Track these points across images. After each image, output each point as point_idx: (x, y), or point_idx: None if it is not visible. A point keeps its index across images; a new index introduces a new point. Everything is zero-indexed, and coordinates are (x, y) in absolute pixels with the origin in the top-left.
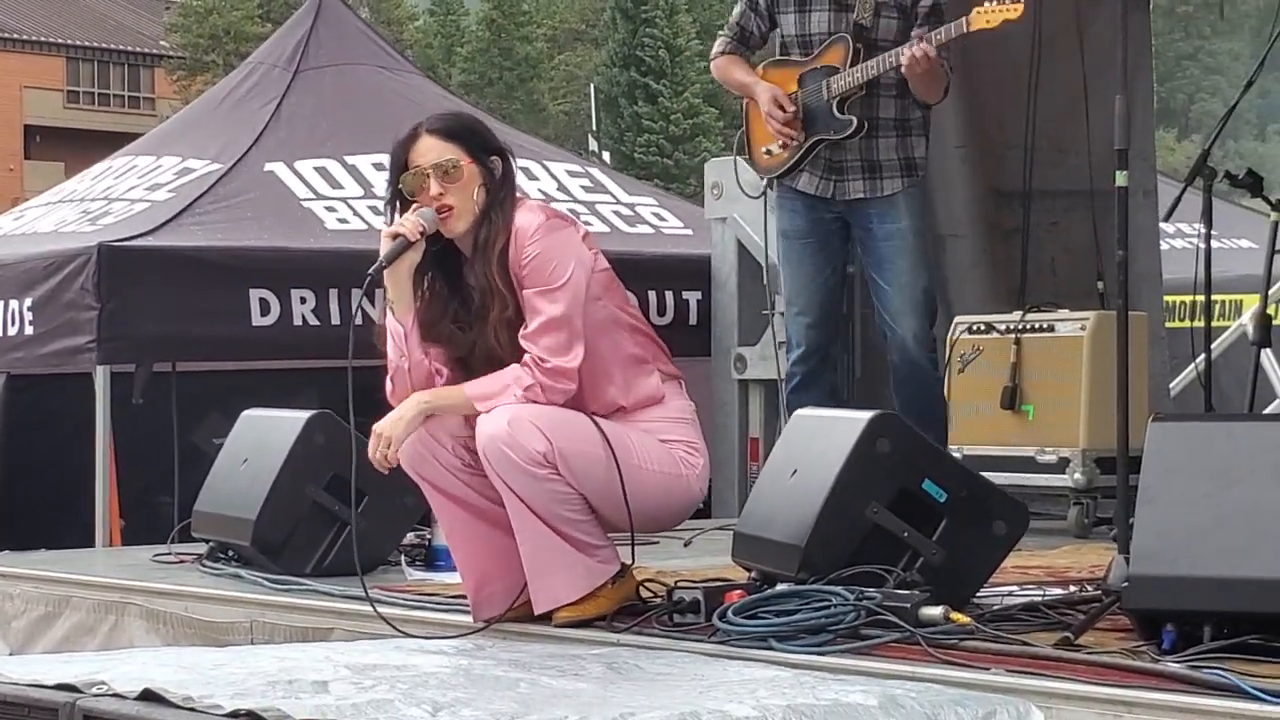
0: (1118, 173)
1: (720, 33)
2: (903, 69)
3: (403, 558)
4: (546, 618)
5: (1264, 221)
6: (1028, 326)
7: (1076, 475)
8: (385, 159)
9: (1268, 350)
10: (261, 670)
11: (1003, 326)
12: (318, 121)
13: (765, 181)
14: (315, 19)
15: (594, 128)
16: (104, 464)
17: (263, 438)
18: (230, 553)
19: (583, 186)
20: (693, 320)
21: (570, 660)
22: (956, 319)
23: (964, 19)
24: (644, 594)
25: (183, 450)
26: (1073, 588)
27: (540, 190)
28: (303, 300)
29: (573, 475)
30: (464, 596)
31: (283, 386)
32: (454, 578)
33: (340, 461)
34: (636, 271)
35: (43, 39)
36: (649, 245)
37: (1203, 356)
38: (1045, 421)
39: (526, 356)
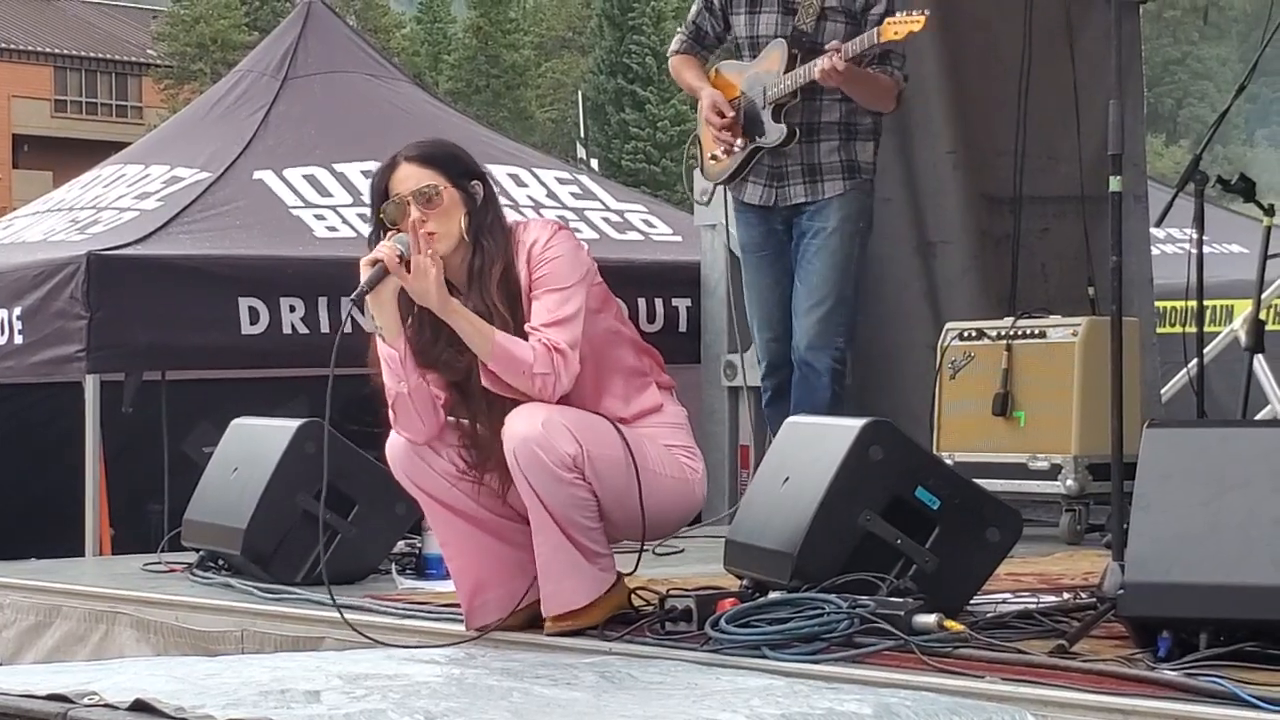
0: (1111, 178)
1: (678, 29)
2: (817, 80)
3: (394, 566)
4: (539, 627)
5: (1256, 227)
6: (1019, 332)
7: (1069, 482)
8: (374, 166)
9: (1260, 356)
10: (254, 680)
11: (994, 333)
12: (306, 129)
13: (713, 187)
14: (303, 27)
15: (581, 135)
16: (94, 473)
17: (253, 446)
18: (221, 562)
19: (572, 193)
20: (682, 327)
21: (563, 669)
22: (947, 325)
23: (875, 30)
24: (636, 602)
25: (172, 459)
26: (1067, 595)
27: (529, 197)
28: (292, 309)
29: (597, 480)
30: (456, 605)
31: (272, 395)
32: (445, 586)
33: (331, 470)
34: (626, 278)
35: (30, 48)
36: (638, 252)
37: (1195, 362)
38: (1037, 428)
39: (542, 340)
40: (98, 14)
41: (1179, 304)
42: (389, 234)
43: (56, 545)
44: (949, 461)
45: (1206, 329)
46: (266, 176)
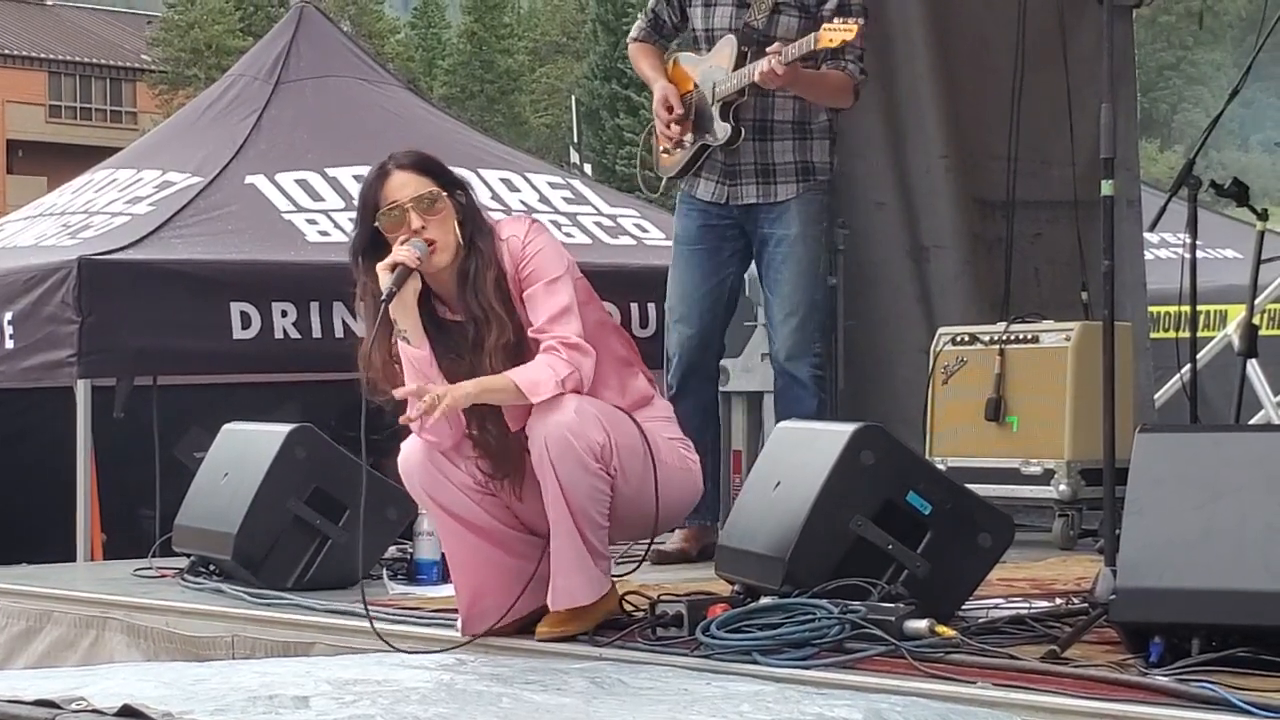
0: (1104, 181)
1: (639, 14)
2: (757, 82)
3: (385, 571)
4: (530, 633)
5: (1249, 231)
6: (1012, 337)
7: (1061, 487)
8: (367, 171)
9: (1253, 361)
10: (242, 685)
11: (986, 337)
12: (298, 134)
13: (664, 181)
14: (296, 31)
15: (575, 140)
16: (85, 478)
17: (243, 451)
18: (211, 567)
19: (564, 198)
20: None
21: (553, 675)
22: (940, 330)
23: (813, 35)
24: (627, 607)
25: (164, 464)
26: (1059, 600)
27: (522, 202)
28: (284, 313)
29: (620, 472)
30: (448, 610)
31: (264, 400)
32: (436, 591)
33: (322, 475)
34: (619, 283)
35: (24, 53)
36: (631, 257)
37: (1188, 367)
38: (1030, 433)
39: (550, 342)
40: (92, 19)
41: (1172, 309)
42: (401, 241)
43: (48, 550)
44: (942, 466)
45: (1200, 334)
46: (259, 181)
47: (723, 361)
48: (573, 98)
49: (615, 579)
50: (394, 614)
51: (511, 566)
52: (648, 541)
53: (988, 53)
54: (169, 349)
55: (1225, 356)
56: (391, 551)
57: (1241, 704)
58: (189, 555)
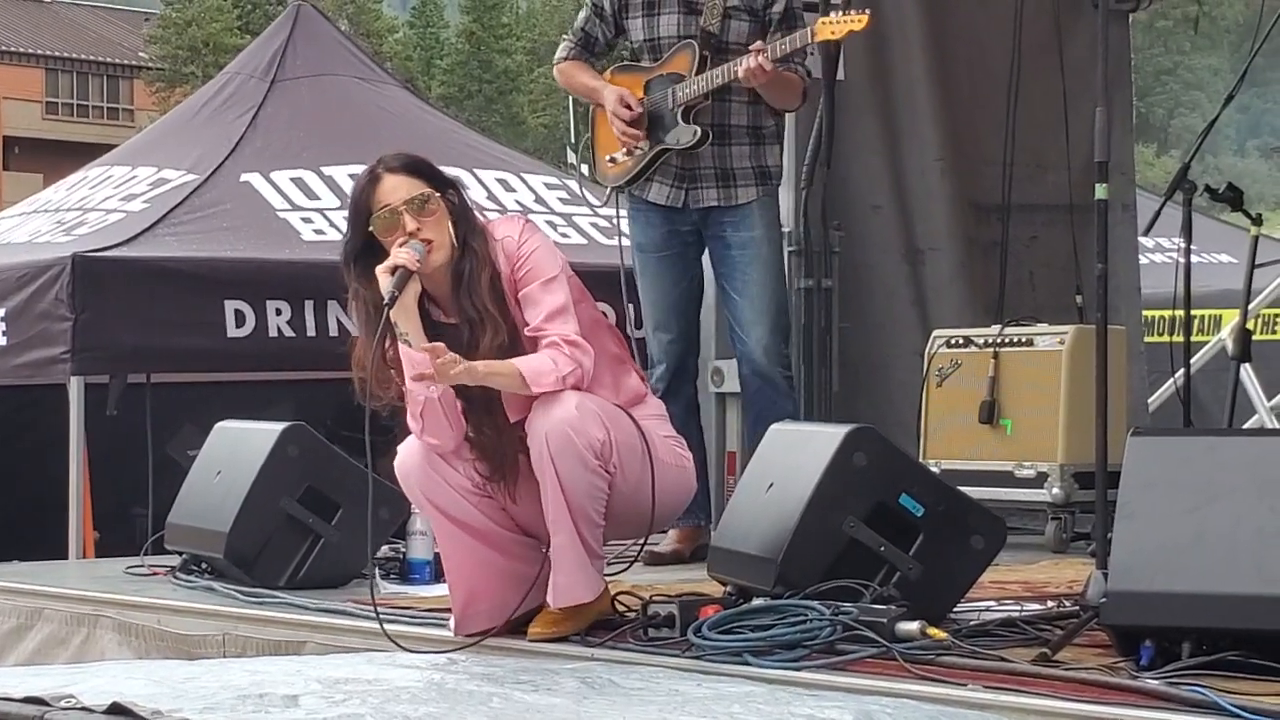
0: (1097, 185)
1: (564, 38)
2: (740, 80)
3: (377, 571)
4: (521, 632)
5: (1244, 236)
6: (1006, 340)
7: (1055, 490)
8: (362, 170)
9: (1247, 365)
10: (232, 684)
11: (981, 340)
12: (294, 132)
13: (610, 191)
14: (292, 29)
15: (572, 141)
16: (78, 476)
17: (236, 450)
18: (204, 565)
19: (560, 199)
20: None
21: (544, 675)
22: (934, 333)
23: (809, 29)
24: (619, 608)
25: (157, 462)
26: (1050, 603)
27: (518, 202)
28: (278, 312)
29: (618, 469)
30: (441, 610)
31: (257, 398)
32: (428, 590)
33: (314, 473)
34: (614, 283)
35: (21, 50)
36: (627, 258)
37: (1182, 371)
38: (1023, 436)
39: (551, 339)
40: (90, 16)
41: (1167, 313)
42: (400, 244)
43: (40, 548)
44: (935, 469)
45: (1194, 338)
46: (254, 179)
47: (718, 363)
48: (570, 98)
49: (608, 579)
50: (387, 613)
51: (506, 569)
52: (641, 540)
53: (984, 56)
54: (163, 347)
55: (1219, 361)
56: (384, 551)
57: (1232, 708)
58: (181, 553)
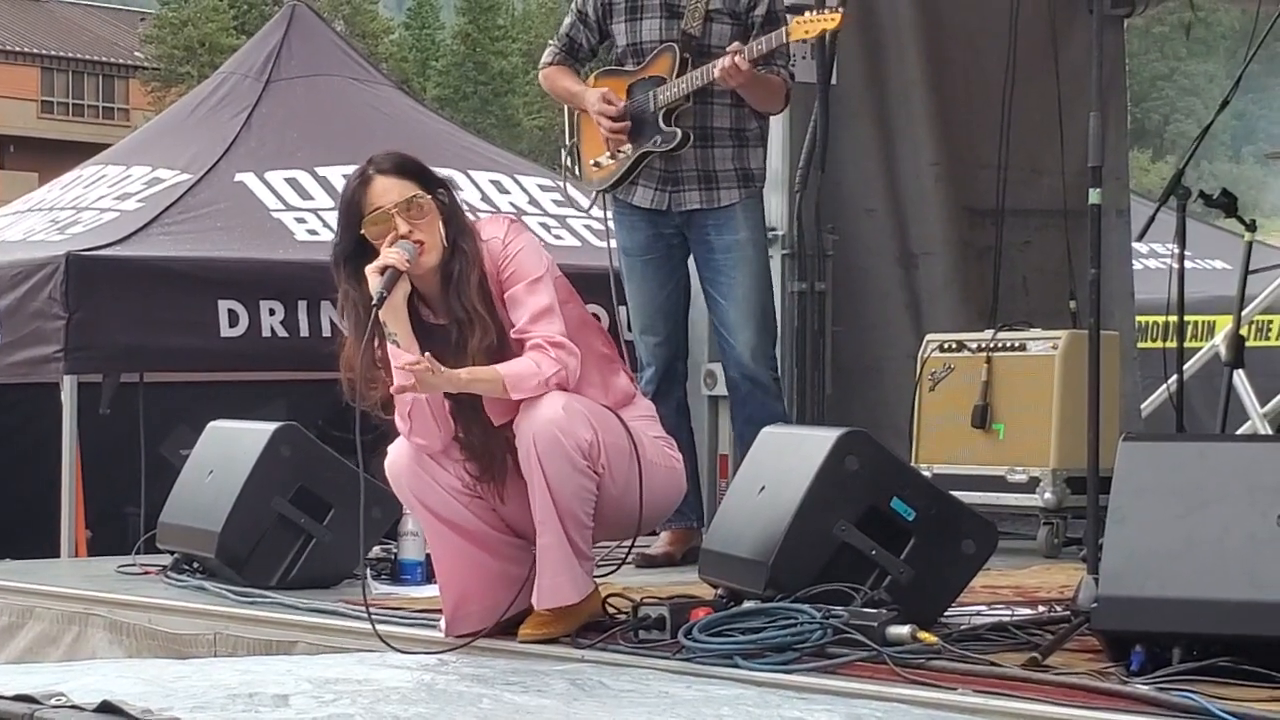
0: (1091, 190)
1: (549, 43)
2: (717, 81)
3: (368, 571)
4: (511, 633)
5: (1237, 242)
6: (999, 345)
7: (1047, 495)
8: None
9: (1240, 371)
10: (222, 683)
11: (974, 345)
12: (288, 132)
13: (596, 194)
14: (287, 30)
15: (567, 143)
16: (70, 475)
17: (229, 449)
18: (195, 564)
19: (554, 201)
20: None
21: (534, 676)
22: (928, 337)
23: (784, 29)
24: (609, 610)
25: (149, 461)
26: (1041, 608)
27: (512, 204)
28: (271, 312)
29: (606, 470)
30: (432, 611)
31: (250, 398)
32: (420, 591)
33: (307, 473)
34: (608, 286)
35: (17, 49)
36: (617, 261)
37: (1175, 377)
38: (1016, 441)
39: (536, 341)
40: (85, 15)
41: (1160, 319)
42: (392, 244)
43: (32, 547)
44: (927, 473)
45: (1188, 344)
46: (248, 179)
47: (710, 365)
48: None
49: (598, 581)
50: (378, 614)
51: (497, 570)
52: (630, 542)
53: (979, 61)
54: (156, 346)
55: (1212, 367)
56: (376, 551)
57: (1221, 713)
58: (173, 552)
